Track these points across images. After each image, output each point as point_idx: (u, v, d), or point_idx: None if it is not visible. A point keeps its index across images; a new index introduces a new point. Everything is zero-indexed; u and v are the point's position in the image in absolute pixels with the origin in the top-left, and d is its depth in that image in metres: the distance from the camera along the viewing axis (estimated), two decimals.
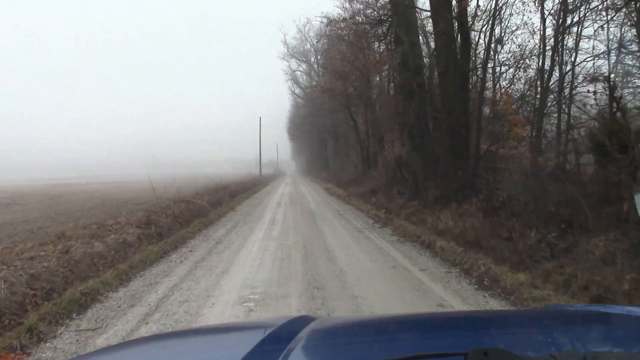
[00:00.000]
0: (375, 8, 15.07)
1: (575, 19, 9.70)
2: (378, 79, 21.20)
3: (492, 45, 12.68)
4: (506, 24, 13.01)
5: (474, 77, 12.11)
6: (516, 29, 12.52)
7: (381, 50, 19.33)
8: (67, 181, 44.26)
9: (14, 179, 46.80)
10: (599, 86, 8.72)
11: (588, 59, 10.37)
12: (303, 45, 42.70)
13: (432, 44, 13.60)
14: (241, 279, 5.25)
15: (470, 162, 10.02)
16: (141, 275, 5.59)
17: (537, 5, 9.69)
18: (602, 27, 8.88)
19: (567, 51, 11.09)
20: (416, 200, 10.99)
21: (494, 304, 4.31)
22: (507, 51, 12.90)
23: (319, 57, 38.67)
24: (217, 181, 21.45)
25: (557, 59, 11.63)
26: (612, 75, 9.17)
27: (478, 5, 10.47)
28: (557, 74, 11.60)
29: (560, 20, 9.72)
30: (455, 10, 9.70)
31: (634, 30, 8.52)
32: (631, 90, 9.81)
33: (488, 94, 13.21)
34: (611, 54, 9.91)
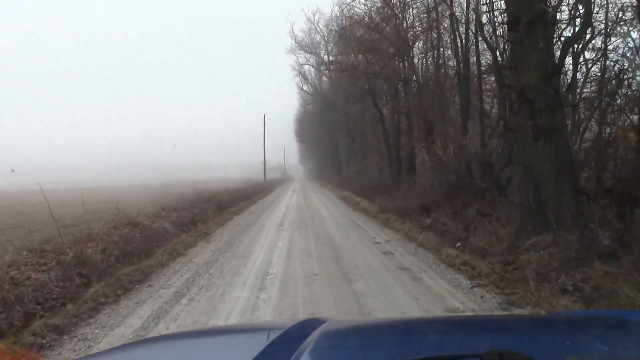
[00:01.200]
0: None
1: None
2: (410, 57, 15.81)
3: None
4: None
5: None
6: None
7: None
8: (65, 185, 39.36)
9: (2, 183, 42.67)
10: None
11: None
12: (312, 37, 37.49)
13: None
14: None
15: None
16: None
17: None
18: None
19: None
20: (544, 234, 5.58)
21: None
22: None
23: (329, 48, 33.50)
24: (200, 189, 16.16)
25: None
26: None
27: None
28: None
29: None
30: None
31: None
32: None
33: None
34: None
